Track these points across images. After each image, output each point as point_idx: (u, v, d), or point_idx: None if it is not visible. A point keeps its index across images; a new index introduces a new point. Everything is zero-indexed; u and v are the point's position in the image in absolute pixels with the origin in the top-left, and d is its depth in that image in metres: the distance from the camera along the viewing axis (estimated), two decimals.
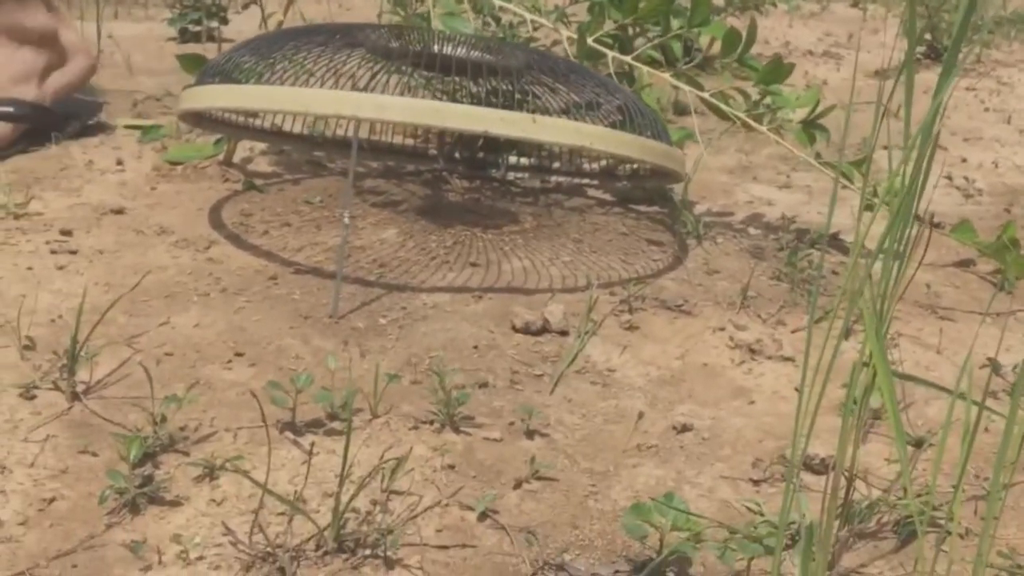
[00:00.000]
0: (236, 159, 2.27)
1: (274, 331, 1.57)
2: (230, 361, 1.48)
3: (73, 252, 1.79)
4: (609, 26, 2.07)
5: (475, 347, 1.57)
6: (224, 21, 3.34)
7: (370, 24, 1.99)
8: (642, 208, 2.20)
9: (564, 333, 1.63)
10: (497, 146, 2.26)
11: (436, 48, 1.91)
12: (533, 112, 1.78)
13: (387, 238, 1.96)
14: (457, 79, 2.08)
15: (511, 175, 2.29)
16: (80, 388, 1.36)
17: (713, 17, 2.05)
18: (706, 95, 1.97)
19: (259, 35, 1.89)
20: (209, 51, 3.21)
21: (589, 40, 1.99)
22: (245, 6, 3.19)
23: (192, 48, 3.25)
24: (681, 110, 2.86)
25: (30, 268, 1.72)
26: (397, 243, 1.94)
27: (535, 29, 2.21)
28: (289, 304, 1.67)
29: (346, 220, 1.66)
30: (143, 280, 1.70)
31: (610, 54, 2.01)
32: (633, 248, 1.99)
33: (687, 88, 1.95)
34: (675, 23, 2.04)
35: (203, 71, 1.86)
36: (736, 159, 2.54)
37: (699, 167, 2.34)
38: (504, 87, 1.97)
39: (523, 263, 1.89)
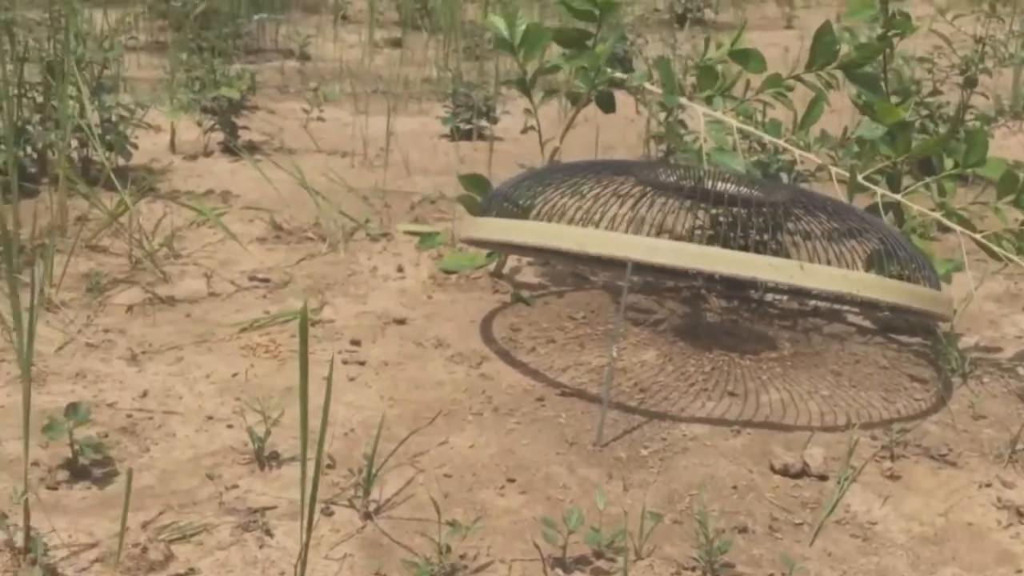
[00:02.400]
0: (505, 269, 2.41)
1: (542, 456, 1.67)
2: (503, 487, 1.58)
3: (362, 363, 1.95)
4: (878, 161, 2.09)
5: (734, 487, 1.61)
6: (493, 121, 3.53)
7: (643, 161, 2.08)
8: (904, 339, 2.19)
9: (823, 478, 1.65)
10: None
11: (706, 183, 1.98)
12: (798, 251, 1.81)
13: (647, 360, 2.04)
14: (725, 212, 2.14)
15: (769, 296, 2.33)
16: (372, 507, 1.50)
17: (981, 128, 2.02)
18: (979, 237, 1.95)
19: (537, 169, 2.02)
20: (479, 149, 3.41)
21: (859, 177, 2.01)
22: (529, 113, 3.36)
23: (463, 146, 3.46)
24: (945, 227, 2.81)
25: (325, 378, 1.89)
26: (657, 366, 2.01)
27: (801, 162, 2.25)
28: (556, 428, 1.76)
29: (614, 353, 1.75)
30: (423, 395, 1.84)
31: (879, 191, 2.02)
32: (894, 384, 1.99)
33: (960, 229, 1.94)
34: (948, 162, 2.03)
35: (485, 200, 2.00)
36: (1004, 286, 2.48)
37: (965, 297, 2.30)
38: (768, 222, 2.02)
39: (781, 395, 1.92)
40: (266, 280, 2.30)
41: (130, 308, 2.12)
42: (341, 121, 3.66)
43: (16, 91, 2.69)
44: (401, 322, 2.14)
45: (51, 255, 2.18)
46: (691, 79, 4.29)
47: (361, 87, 4.22)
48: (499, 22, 2.17)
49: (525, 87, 2.23)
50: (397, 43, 5.21)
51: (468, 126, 3.56)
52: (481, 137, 3.52)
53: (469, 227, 1.92)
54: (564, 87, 2.27)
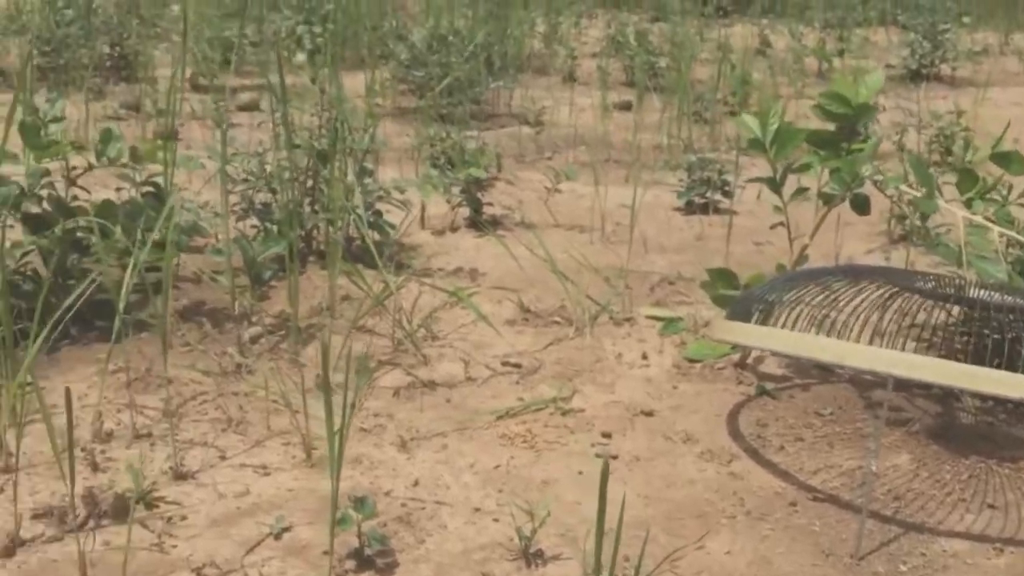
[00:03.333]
0: (749, 359, 2.44)
1: (799, 568, 1.69)
2: None
3: (614, 457, 2.03)
4: None
5: None
6: (728, 195, 3.56)
7: (899, 268, 2.08)
8: None
9: None
10: (1016, 366, 2.24)
11: (966, 291, 1.96)
12: None
13: (900, 464, 2.02)
14: (988, 321, 2.10)
15: None
16: None
17: None
18: None
19: (791, 273, 2.05)
20: (715, 224, 3.45)
21: None
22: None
23: (698, 221, 3.51)
24: None
25: (580, 472, 1.97)
26: (910, 471, 2.00)
27: None
28: (811, 537, 1.78)
29: (873, 468, 1.76)
30: (676, 494, 1.90)
31: None
32: None
33: None
34: None
35: (737, 302, 2.04)
36: None
37: None
38: None
39: None
40: (518, 365, 2.41)
41: (396, 392, 2.26)
42: (576, 192, 3.77)
43: (290, 176, 2.91)
44: (649, 414, 2.20)
45: (328, 338, 2.36)
46: (936, 153, 4.19)
47: (594, 155, 4.33)
48: (751, 122, 2.22)
49: (775, 185, 2.27)
50: (627, 106, 5.31)
51: (703, 199, 3.60)
52: (716, 211, 3.56)
53: (724, 331, 1.97)
54: (816, 185, 2.29)
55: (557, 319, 2.67)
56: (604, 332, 2.61)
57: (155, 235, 2.52)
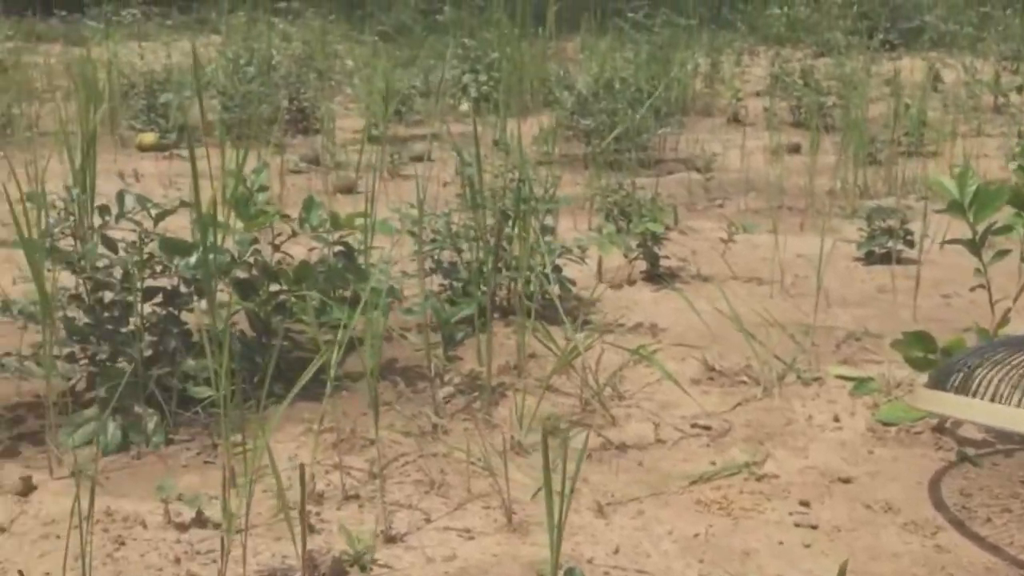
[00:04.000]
0: (947, 423, 2.38)
1: None
2: None
3: (814, 527, 2.01)
4: None
5: None
6: (911, 245, 3.49)
7: None
8: None
9: None
10: None
11: None
12: None
13: None
14: None
15: None
16: None
17: None
18: None
19: (997, 341, 2.01)
20: (898, 275, 3.38)
21: None
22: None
23: (879, 272, 3.45)
24: None
25: (781, 543, 1.97)
26: None
27: None
28: None
29: None
30: (881, 568, 1.87)
31: None
32: None
33: None
34: None
35: (939, 369, 2.01)
36: None
37: None
38: None
39: None
40: (707, 427, 2.42)
41: (589, 454, 2.30)
42: (752, 242, 3.76)
43: (475, 236, 3.00)
44: (846, 481, 2.18)
45: (523, 399, 2.42)
46: None
47: (766, 201, 4.31)
48: (948, 183, 2.18)
49: (975, 246, 2.22)
50: (796, 148, 5.26)
51: (883, 250, 3.54)
52: (899, 261, 3.49)
53: (929, 401, 1.94)
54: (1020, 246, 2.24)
55: (743, 378, 2.66)
56: (792, 392, 2.59)
57: (348, 293, 2.65)
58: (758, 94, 6.90)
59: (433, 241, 3.03)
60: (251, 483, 1.90)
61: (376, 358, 2.27)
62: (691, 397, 2.56)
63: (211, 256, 2.48)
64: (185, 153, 5.37)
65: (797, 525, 2.02)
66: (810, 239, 3.87)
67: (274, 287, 2.65)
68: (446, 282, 3.04)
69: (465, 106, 6.18)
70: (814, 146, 4.85)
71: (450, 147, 5.17)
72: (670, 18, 7.35)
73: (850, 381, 2.59)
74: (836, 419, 2.44)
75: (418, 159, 5.19)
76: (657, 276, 3.37)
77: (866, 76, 6.85)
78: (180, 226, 2.94)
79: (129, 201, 2.46)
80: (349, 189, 4.63)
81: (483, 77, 6.33)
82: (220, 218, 2.56)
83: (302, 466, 1.71)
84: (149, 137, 5.45)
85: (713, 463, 2.26)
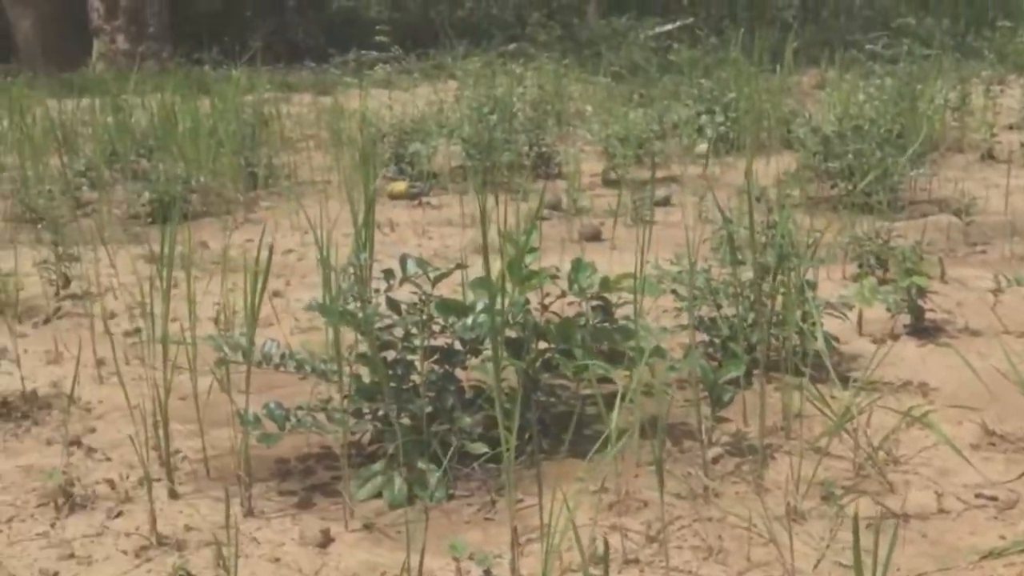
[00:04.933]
0: None
1: None
2: None
3: None
4: None
5: None
6: None
7: None
8: None
9: None
10: None
11: None
12: None
13: None
14: None
15: None
16: None
17: None
18: None
19: None
20: None
21: None
22: None
23: None
24: None
25: None
26: None
27: None
28: None
29: None
30: None
31: None
32: None
33: None
34: None
35: None
36: None
37: None
38: None
39: None
40: (993, 498, 2.33)
41: (868, 524, 2.25)
42: (1021, 293, 3.58)
43: (735, 292, 2.99)
44: None
45: (799, 462, 2.39)
46: None
47: None
48: None
49: None
50: None
51: None
52: None
53: None
54: None
55: None
56: None
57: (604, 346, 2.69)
58: (1011, 127, 6.57)
59: (693, 298, 3.04)
60: (547, 546, 1.96)
61: (641, 416, 2.30)
62: (969, 462, 2.47)
63: (490, 317, 2.58)
64: (435, 201, 5.60)
65: None
66: None
67: (541, 344, 2.73)
68: (706, 337, 3.04)
69: (702, 147, 6.16)
70: None
71: (693, 193, 5.19)
72: (912, 48, 7.11)
73: None
74: None
75: (660, 204, 5.21)
76: (922, 330, 3.26)
77: None
78: (453, 281, 3.06)
79: (411, 266, 2.60)
80: (595, 236, 4.69)
81: (720, 117, 6.30)
82: (494, 279, 2.67)
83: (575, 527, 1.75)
84: (400, 186, 5.69)
85: (1003, 537, 2.17)
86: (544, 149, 6.13)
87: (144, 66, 10.69)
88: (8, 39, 12.44)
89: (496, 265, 2.87)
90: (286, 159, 6.46)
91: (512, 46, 11.43)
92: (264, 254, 2.48)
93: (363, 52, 10.71)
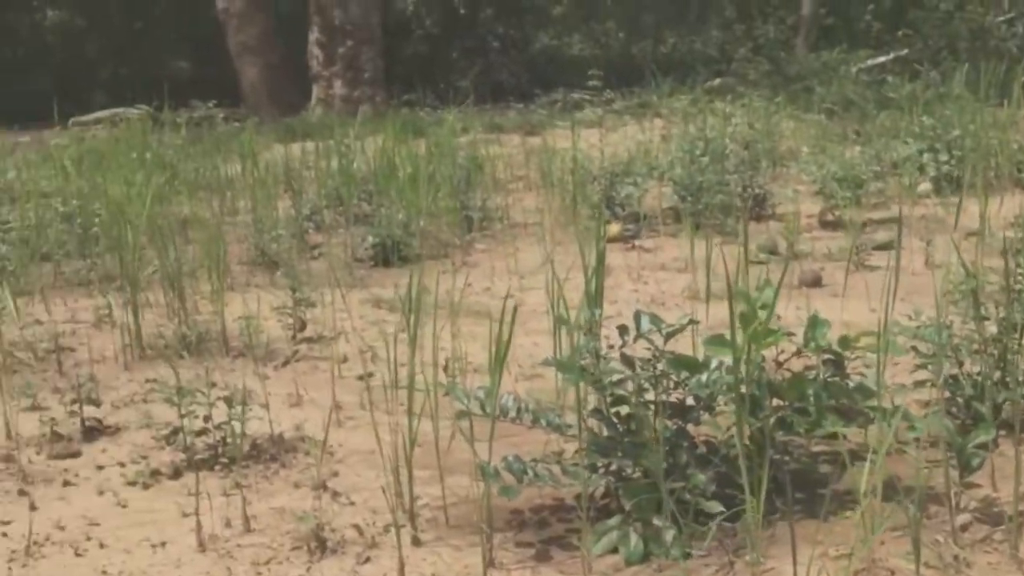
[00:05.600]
0: None
1: None
2: None
3: None
4: None
5: None
6: None
7: None
8: None
9: None
10: None
11: None
12: None
13: None
14: None
15: None
16: None
17: None
18: None
19: None
20: None
21: None
22: None
23: None
24: None
25: None
26: None
27: None
28: None
29: None
30: None
31: None
32: None
33: None
34: None
35: None
36: None
37: None
38: None
39: None
40: None
41: None
42: None
43: (978, 348, 2.88)
44: None
45: None
46: None
47: None
48: None
49: None
50: None
51: None
52: None
53: None
54: None
55: None
56: None
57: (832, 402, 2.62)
58: None
59: (933, 355, 2.93)
60: None
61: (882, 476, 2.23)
62: None
63: (726, 376, 2.58)
64: (648, 244, 5.61)
65: None
66: None
67: (776, 402, 2.69)
68: (948, 395, 2.93)
69: (925, 187, 5.95)
70: None
71: (918, 236, 5.01)
72: None
73: None
74: None
75: (882, 248, 5.05)
76: None
77: None
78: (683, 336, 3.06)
79: (644, 323, 2.62)
80: (816, 282, 4.60)
81: (943, 155, 6.07)
82: (727, 335, 2.66)
83: None
84: (614, 228, 5.73)
85: None
86: (757, 190, 6.06)
87: (359, 110, 11.18)
88: (235, 86, 13.23)
89: (714, 310, 2.83)
90: (498, 201, 6.60)
91: (717, 81, 11.36)
92: (493, 302, 2.54)
93: (569, 91, 10.87)
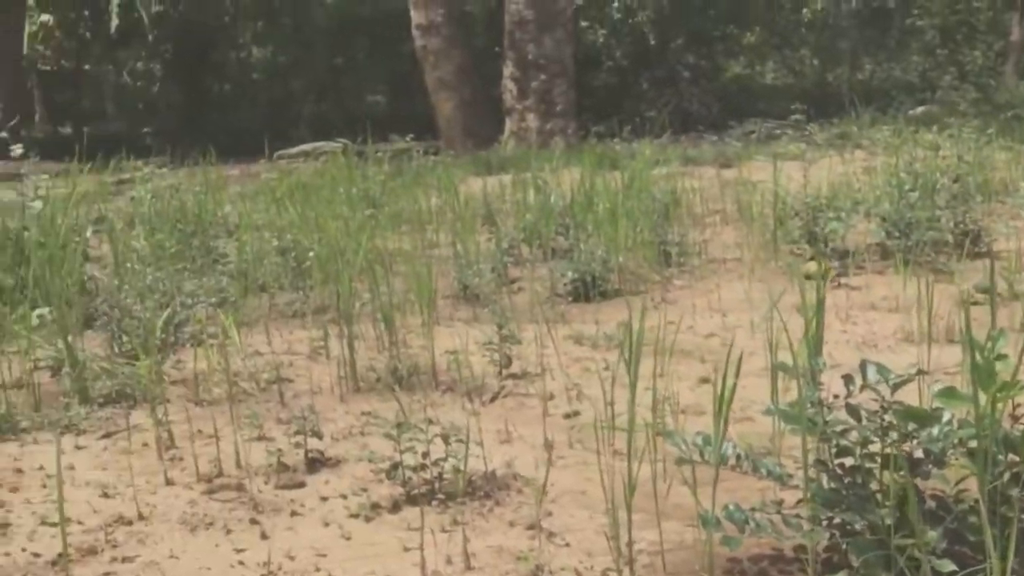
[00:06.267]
0: None
1: None
2: None
3: None
4: None
5: None
6: None
7: None
8: None
9: None
10: None
11: None
12: None
13: None
14: None
15: None
16: None
17: None
18: None
19: None
20: None
21: None
22: None
23: None
24: None
25: None
26: None
27: None
28: None
29: None
30: None
31: None
32: None
33: None
34: None
35: None
36: None
37: None
38: None
39: None
40: None
41: None
42: None
43: None
44: None
45: None
46: None
47: None
48: None
49: None
50: None
51: None
52: None
53: None
54: None
55: None
56: None
57: None
58: None
59: None
60: None
61: None
62: None
63: (952, 427, 2.47)
64: (854, 282, 5.45)
65: None
66: None
67: (1011, 457, 2.56)
68: None
69: None
70: None
71: None
72: None
73: None
74: None
75: None
76: None
77: None
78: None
79: (871, 373, 2.54)
80: None
81: None
82: (960, 389, 2.56)
83: None
84: (811, 266, 5.59)
85: None
86: (971, 226, 5.80)
87: (552, 142, 11.31)
88: (429, 120, 13.61)
89: (934, 354, 2.70)
90: (695, 235, 6.54)
91: (920, 110, 10.97)
92: (697, 340, 2.52)
93: (762, 121, 10.71)
